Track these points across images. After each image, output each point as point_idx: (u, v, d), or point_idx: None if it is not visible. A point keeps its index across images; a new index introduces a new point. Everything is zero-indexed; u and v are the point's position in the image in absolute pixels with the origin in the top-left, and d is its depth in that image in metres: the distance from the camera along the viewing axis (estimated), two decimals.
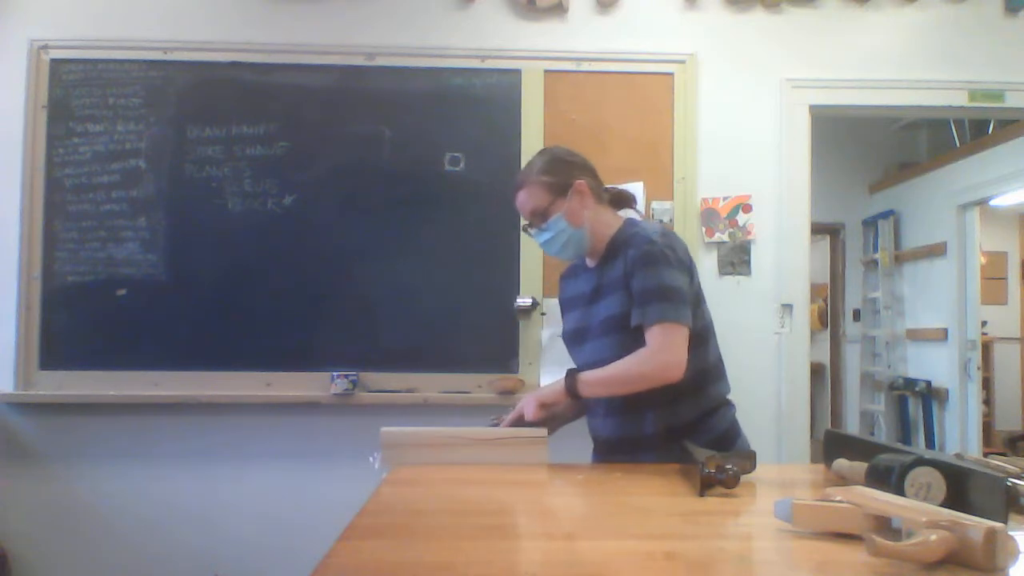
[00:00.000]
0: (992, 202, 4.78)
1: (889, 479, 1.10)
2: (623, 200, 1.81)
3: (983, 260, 5.00)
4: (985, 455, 1.66)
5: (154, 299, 2.79)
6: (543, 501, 1.34)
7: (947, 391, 4.83)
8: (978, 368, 4.69)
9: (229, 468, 2.80)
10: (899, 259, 5.38)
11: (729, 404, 1.71)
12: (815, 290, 5.25)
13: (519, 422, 1.64)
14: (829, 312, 6.22)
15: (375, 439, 1.57)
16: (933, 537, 0.84)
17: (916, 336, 5.23)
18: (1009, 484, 1.04)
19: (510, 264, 2.84)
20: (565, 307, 1.83)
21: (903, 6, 2.97)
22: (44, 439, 2.80)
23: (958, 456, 1.26)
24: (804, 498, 1.02)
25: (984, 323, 5.19)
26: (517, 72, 2.88)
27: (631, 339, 1.57)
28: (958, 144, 4.96)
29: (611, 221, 1.72)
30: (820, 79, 2.93)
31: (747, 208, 2.90)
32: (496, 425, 1.67)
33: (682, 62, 2.90)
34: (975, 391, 4.69)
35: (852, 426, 5.73)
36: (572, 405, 1.71)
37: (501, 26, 2.91)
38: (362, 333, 2.82)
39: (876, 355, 5.58)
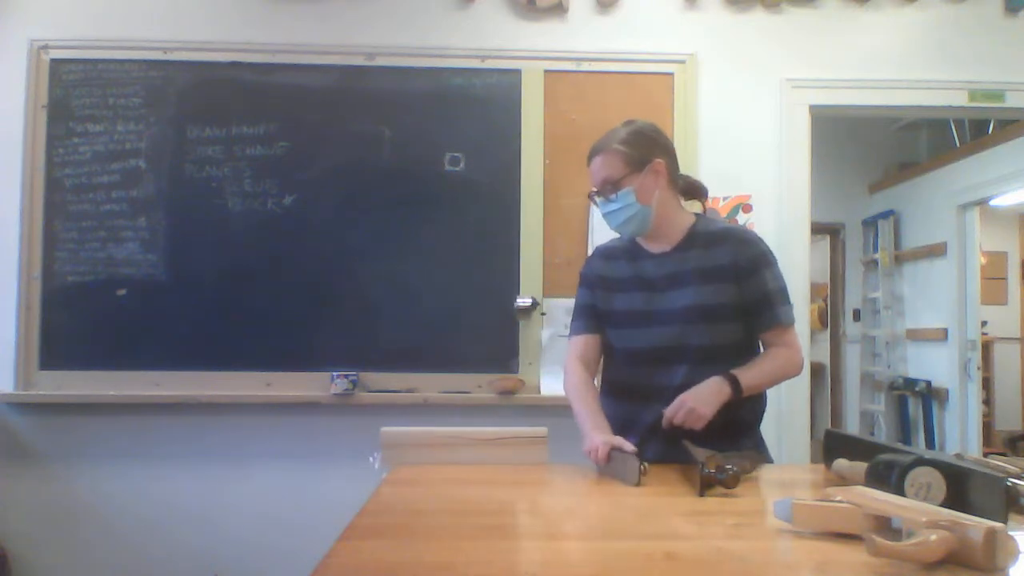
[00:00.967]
0: (992, 202, 4.78)
1: (889, 479, 1.10)
2: (695, 190, 1.79)
3: (983, 260, 5.00)
4: (985, 455, 1.67)
5: (154, 299, 2.79)
6: (543, 501, 1.34)
7: (947, 391, 4.83)
8: (978, 368, 4.68)
9: (229, 468, 2.80)
10: (899, 259, 5.38)
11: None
12: (815, 290, 5.26)
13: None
14: (829, 312, 6.21)
15: (375, 439, 1.57)
16: (933, 537, 0.84)
17: (916, 336, 5.23)
18: (1009, 484, 1.04)
19: (510, 264, 2.84)
20: (603, 286, 1.75)
21: (903, 6, 2.97)
22: (44, 439, 2.80)
23: (958, 456, 1.26)
24: (804, 498, 1.02)
25: (984, 323, 5.19)
26: (517, 72, 2.88)
27: (726, 328, 1.63)
28: (958, 144, 4.95)
29: (679, 208, 1.71)
30: (820, 79, 2.93)
31: (747, 208, 2.90)
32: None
33: (682, 62, 2.90)
34: (975, 391, 4.69)
35: (852, 426, 5.73)
36: None
37: (501, 26, 2.91)
38: (362, 333, 2.82)
39: (876, 355, 5.58)
